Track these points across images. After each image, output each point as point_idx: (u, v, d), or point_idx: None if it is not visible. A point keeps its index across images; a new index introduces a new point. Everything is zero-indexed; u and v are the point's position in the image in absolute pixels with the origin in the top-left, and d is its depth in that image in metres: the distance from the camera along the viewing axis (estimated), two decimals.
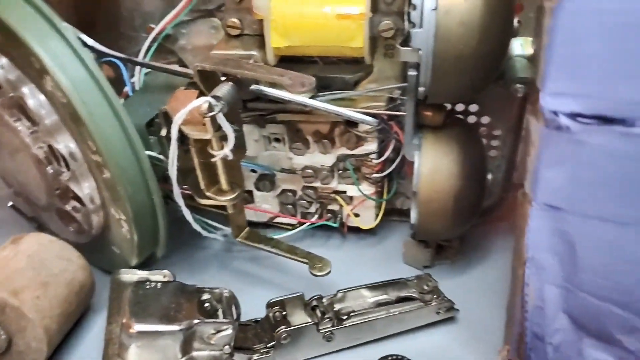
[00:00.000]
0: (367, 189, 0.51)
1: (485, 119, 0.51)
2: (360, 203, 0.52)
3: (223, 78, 0.40)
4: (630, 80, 0.28)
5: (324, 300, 0.44)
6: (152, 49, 0.50)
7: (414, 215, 0.47)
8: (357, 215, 0.53)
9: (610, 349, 0.36)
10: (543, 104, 0.31)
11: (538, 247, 0.35)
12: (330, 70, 0.47)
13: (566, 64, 0.30)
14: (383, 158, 0.48)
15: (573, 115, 0.31)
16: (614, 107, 0.30)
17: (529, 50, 0.44)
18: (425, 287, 0.46)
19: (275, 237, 0.53)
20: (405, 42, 0.38)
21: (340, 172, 0.50)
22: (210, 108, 0.36)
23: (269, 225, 0.56)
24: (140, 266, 0.48)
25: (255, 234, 0.47)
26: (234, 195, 0.42)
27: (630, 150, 0.30)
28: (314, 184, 0.51)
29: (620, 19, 0.28)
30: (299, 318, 0.42)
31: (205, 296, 0.41)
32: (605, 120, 0.30)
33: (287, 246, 0.46)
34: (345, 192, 0.52)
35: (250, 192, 0.53)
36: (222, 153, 0.39)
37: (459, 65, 0.37)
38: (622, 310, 0.34)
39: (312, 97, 0.45)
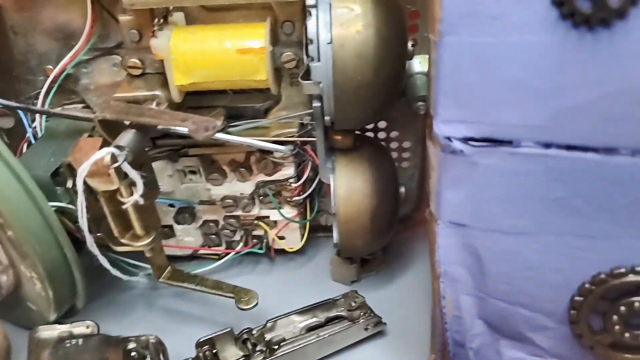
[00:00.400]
0: (290, 211, 0.51)
1: (394, 133, 0.53)
2: (285, 226, 0.53)
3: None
4: (508, 106, 0.31)
5: (254, 332, 0.44)
6: (52, 91, 0.48)
7: (335, 235, 0.48)
8: (282, 238, 0.53)
9: (524, 347, 0.38)
10: (437, 131, 0.33)
11: (449, 261, 0.37)
12: (241, 100, 0.47)
13: (453, 93, 0.32)
14: (301, 181, 0.49)
15: (465, 140, 0.33)
16: (500, 130, 0.32)
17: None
18: (353, 304, 0.47)
19: (202, 269, 0.53)
20: (306, 75, 0.39)
21: (261, 198, 0.51)
22: (114, 159, 0.35)
23: (195, 257, 0.55)
24: (62, 317, 0.46)
25: (178, 273, 0.46)
26: (150, 239, 0.41)
27: (518, 168, 0.32)
28: (235, 213, 0.51)
29: (494, 51, 0.30)
30: (230, 354, 0.42)
31: (131, 345, 0.40)
32: (494, 142, 0.32)
33: (212, 282, 0.46)
34: (268, 217, 0.52)
35: (170, 227, 0.53)
36: (132, 199, 0.38)
37: (359, 95, 0.38)
38: (529, 311, 0.37)
39: (224, 128, 0.45)
